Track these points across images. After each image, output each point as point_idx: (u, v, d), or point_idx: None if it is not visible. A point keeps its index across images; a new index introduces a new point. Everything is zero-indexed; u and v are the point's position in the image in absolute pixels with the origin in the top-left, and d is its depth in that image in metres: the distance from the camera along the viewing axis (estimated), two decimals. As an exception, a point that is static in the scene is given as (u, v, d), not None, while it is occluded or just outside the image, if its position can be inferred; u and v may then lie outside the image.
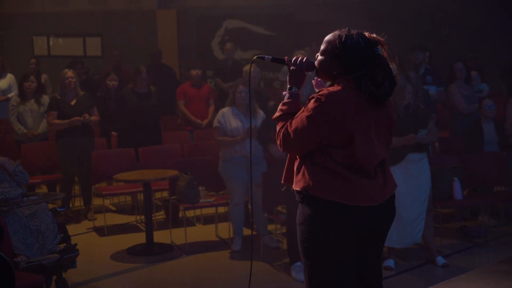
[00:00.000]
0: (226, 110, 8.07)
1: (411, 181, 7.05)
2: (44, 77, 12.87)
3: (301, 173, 3.75)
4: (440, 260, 7.19)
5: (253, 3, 15.26)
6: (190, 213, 9.05)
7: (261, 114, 8.09)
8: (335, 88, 3.69)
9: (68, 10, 17.78)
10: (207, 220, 9.14)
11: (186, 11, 16.37)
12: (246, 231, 8.42)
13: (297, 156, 3.80)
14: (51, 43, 18.46)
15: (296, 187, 3.78)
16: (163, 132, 10.29)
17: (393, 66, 3.75)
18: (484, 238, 8.00)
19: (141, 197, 9.01)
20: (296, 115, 3.70)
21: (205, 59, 15.38)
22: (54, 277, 6.55)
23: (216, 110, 11.04)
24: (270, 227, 8.23)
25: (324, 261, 3.72)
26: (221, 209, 8.80)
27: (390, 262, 7.17)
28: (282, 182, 3.94)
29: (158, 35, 16.53)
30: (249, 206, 8.54)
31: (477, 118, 8.84)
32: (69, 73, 9.32)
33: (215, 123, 8.06)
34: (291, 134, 3.68)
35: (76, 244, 6.64)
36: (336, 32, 3.77)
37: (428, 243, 7.29)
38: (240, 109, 7.97)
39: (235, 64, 12.23)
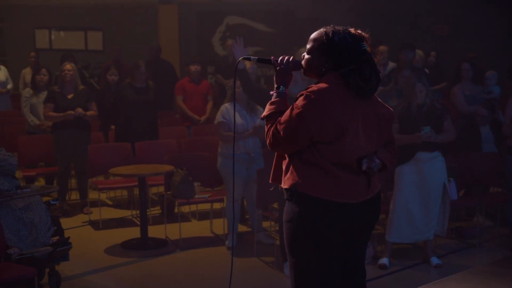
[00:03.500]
0: (228, 105, 8.03)
1: (422, 180, 7.05)
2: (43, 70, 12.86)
3: (289, 171, 3.75)
4: (434, 260, 7.19)
5: (254, 0, 15.26)
6: (185, 209, 9.07)
7: (261, 111, 8.06)
8: (323, 84, 3.70)
9: (70, 4, 17.78)
10: (202, 216, 9.16)
11: (187, 6, 16.37)
12: (241, 228, 8.45)
13: (286, 155, 3.79)
14: (52, 36, 18.48)
15: (284, 185, 3.78)
16: (161, 127, 10.31)
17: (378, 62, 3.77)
18: (479, 239, 7.98)
19: (137, 191, 9.02)
20: (285, 114, 3.70)
21: (206, 55, 15.40)
22: (47, 270, 6.57)
23: (215, 106, 11.07)
24: (265, 224, 8.24)
25: (310, 259, 3.72)
26: (217, 205, 8.80)
27: (385, 261, 7.18)
28: (270, 181, 3.94)
29: (159, 30, 16.52)
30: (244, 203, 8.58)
31: (472, 118, 8.82)
32: (68, 66, 9.35)
33: (219, 119, 7.97)
34: (281, 132, 3.67)
35: (69, 237, 6.65)
36: (322, 29, 3.78)
37: (426, 243, 7.29)
38: (241, 105, 7.93)
39: (236, 60, 12.17)
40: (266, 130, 3.79)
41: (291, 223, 3.75)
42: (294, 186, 3.71)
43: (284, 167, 3.82)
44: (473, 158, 8.45)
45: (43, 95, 9.83)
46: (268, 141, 3.77)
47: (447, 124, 7.20)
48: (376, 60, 3.76)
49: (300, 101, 3.65)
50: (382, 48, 10.26)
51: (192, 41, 16.47)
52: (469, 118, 8.92)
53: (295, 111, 3.64)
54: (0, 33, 19.61)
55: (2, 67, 12.12)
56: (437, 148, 7.16)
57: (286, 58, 3.91)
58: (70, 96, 9.21)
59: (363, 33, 3.76)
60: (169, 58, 14.08)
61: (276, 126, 3.71)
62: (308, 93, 3.65)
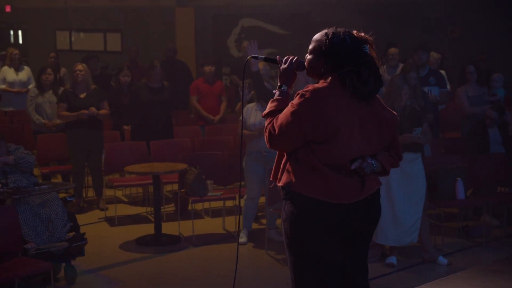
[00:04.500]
0: (251, 105, 7.99)
1: (406, 180, 7.01)
2: (63, 70, 12.93)
3: (286, 170, 3.75)
4: (441, 260, 7.11)
5: (269, 2, 15.27)
6: (199, 206, 9.08)
7: None
8: (321, 84, 3.70)
9: (90, 6, 17.87)
10: (215, 213, 9.16)
11: (203, 9, 16.41)
12: (253, 225, 8.46)
13: (285, 154, 3.79)
14: (73, 37, 18.57)
15: (280, 183, 3.77)
16: (176, 126, 10.32)
17: (382, 67, 3.75)
18: (485, 238, 7.95)
19: (151, 189, 9.04)
20: (283, 112, 3.70)
21: (222, 56, 15.41)
22: (63, 264, 6.61)
23: (229, 107, 11.09)
24: (278, 221, 8.23)
25: (306, 257, 3.70)
26: (229, 203, 8.80)
27: (392, 259, 7.16)
28: (270, 179, 3.94)
29: (176, 31, 16.58)
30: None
31: (480, 119, 8.79)
32: (79, 66, 9.36)
33: (241, 117, 8.02)
34: (276, 130, 3.67)
35: (84, 233, 6.68)
36: (324, 31, 3.79)
37: (423, 242, 7.24)
38: (263, 105, 7.88)
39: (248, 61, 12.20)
40: (265, 127, 3.79)
41: (287, 223, 3.73)
42: (288, 185, 3.70)
43: (281, 164, 3.82)
44: (481, 158, 8.42)
45: (48, 94, 9.88)
46: (265, 138, 3.77)
47: (425, 127, 7.23)
48: (379, 63, 3.74)
49: (296, 100, 3.66)
50: (393, 50, 10.26)
51: (208, 42, 16.49)
52: (476, 119, 8.90)
53: (290, 109, 3.65)
54: (22, 35, 19.77)
55: (26, 67, 12.16)
56: (420, 149, 7.15)
57: (290, 58, 3.92)
58: (82, 96, 9.23)
59: (366, 36, 3.75)
60: (186, 59, 14.13)
61: (272, 124, 3.71)
62: (304, 92, 3.65)
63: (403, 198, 6.99)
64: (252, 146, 7.84)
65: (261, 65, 8.54)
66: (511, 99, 11.00)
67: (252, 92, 8.46)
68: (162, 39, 15.79)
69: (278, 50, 14.51)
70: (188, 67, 13.49)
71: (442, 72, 10.05)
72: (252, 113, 7.90)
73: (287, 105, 3.75)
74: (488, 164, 8.38)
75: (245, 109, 7.99)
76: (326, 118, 3.60)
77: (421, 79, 8.54)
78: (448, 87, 9.89)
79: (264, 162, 7.77)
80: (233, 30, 16.01)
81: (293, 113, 3.62)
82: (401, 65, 10.20)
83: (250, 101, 8.38)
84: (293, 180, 3.68)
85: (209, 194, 8.22)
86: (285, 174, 3.74)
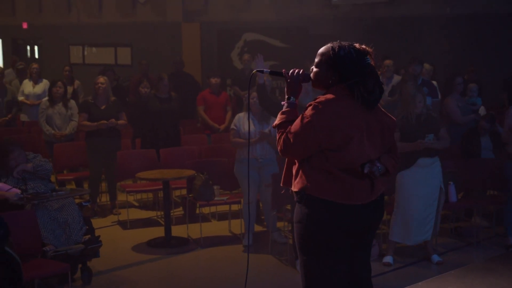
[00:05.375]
0: (242, 114, 8.06)
1: (422, 184, 7.04)
2: (77, 83, 12.97)
3: (299, 175, 3.76)
4: (435, 258, 7.18)
5: (270, 18, 15.29)
6: (206, 210, 9.09)
7: (274, 120, 8.06)
8: (330, 95, 3.72)
9: (102, 22, 17.91)
10: (221, 216, 9.17)
11: (208, 24, 16.43)
12: (257, 228, 8.46)
13: (296, 161, 3.81)
14: (85, 52, 18.59)
15: (294, 188, 3.79)
16: (183, 135, 10.33)
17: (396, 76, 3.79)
18: (476, 238, 7.96)
19: (161, 194, 9.06)
20: (295, 122, 3.71)
21: (226, 68, 15.42)
22: (80, 266, 6.63)
23: (233, 116, 11.09)
24: (279, 224, 8.24)
25: (318, 256, 3.73)
26: (234, 207, 8.81)
27: (389, 259, 7.18)
28: (281, 185, 3.96)
29: (183, 46, 16.60)
30: (260, 205, 8.60)
31: (472, 127, 8.82)
32: (101, 79, 9.38)
33: (232, 126, 8.07)
34: (291, 140, 3.69)
35: (99, 236, 6.70)
36: (329, 45, 3.80)
37: (427, 242, 7.27)
38: (254, 114, 7.97)
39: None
40: (277, 137, 3.80)
41: (301, 224, 3.76)
42: (303, 189, 3.72)
43: (294, 171, 3.83)
44: (472, 163, 8.43)
45: (58, 106, 9.84)
46: (279, 148, 3.79)
47: (443, 132, 7.24)
48: (379, 73, 3.77)
49: (309, 111, 3.67)
50: (387, 62, 10.27)
51: (213, 56, 16.51)
52: (467, 127, 8.92)
53: (304, 120, 3.66)
54: (38, 50, 19.81)
55: (44, 81, 12.12)
56: (437, 154, 7.17)
57: (296, 71, 3.92)
58: (103, 107, 9.26)
59: (367, 48, 3.78)
60: (192, 71, 14.14)
61: (286, 134, 3.72)
62: (316, 104, 3.67)
63: (418, 200, 7.02)
64: (246, 153, 7.83)
65: (261, 78, 8.57)
66: (500, 105, 10.99)
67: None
68: (170, 52, 15.81)
69: (278, 62, 14.55)
70: (194, 79, 13.50)
71: (434, 82, 10.08)
72: (245, 122, 7.90)
73: (296, 116, 3.77)
74: (478, 169, 8.38)
75: (236, 118, 8.03)
76: (339, 127, 3.64)
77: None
78: (439, 97, 9.92)
79: (259, 168, 7.80)
80: (236, 44, 16.03)
81: (307, 124, 3.65)
82: (396, 76, 10.25)
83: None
84: (308, 184, 3.71)
85: (215, 198, 8.23)
86: (298, 179, 3.76)
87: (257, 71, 4.12)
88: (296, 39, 14.97)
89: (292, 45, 15.09)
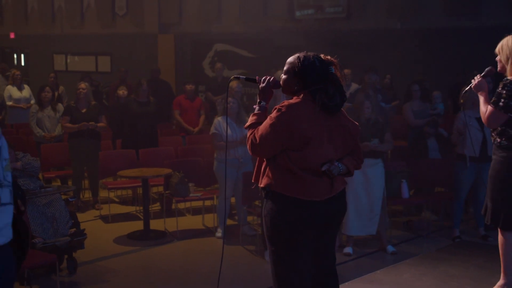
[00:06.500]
0: (220, 119, 7.98)
1: (367, 182, 7.09)
2: (61, 88, 12.85)
3: (266, 173, 3.77)
4: (390, 248, 7.24)
5: (238, 30, 15.29)
6: (181, 205, 9.04)
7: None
8: (294, 100, 3.74)
9: (83, 33, 17.79)
10: (196, 211, 9.12)
11: (182, 35, 16.39)
12: (229, 222, 8.44)
13: (264, 160, 3.82)
14: (68, 60, 18.45)
15: (261, 184, 3.80)
16: (160, 137, 10.27)
17: (353, 84, 3.80)
18: (426, 231, 8.04)
19: (140, 191, 8.99)
20: (262, 124, 3.73)
21: (198, 76, 15.38)
22: (66, 256, 6.56)
23: (207, 120, 11.06)
24: (249, 218, 8.24)
25: (285, 246, 3.73)
26: (208, 202, 8.78)
27: (349, 249, 7.21)
28: (252, 181, 3.96)
29: (159, 55, 16.54)
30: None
31: (419, 131, 8.90)
32: (82, 85, 9.33)
33: (213, 130, 7.88)
34: (257, 139, 3.70)
35: (84, 229, 6.65)
36: (296, 55, 3.82)
37: (380, 234, 7.32)
38: (231, 118, 7.90)
39: (224, 80, 12.28)
40: (247, 137, 3.81)
41: (268, 217, 3.76)
42: (269, 186, 3.74)
43: (262, 168, 3.84)
44: (421, 163, 8.50)
45: (47, 110, 9.76)
46: (248, 147, 3.79)
47: (388, 136, 7.30)
48: (343, 82, 3.79)
49: (273, 114, 3.70)
50: (346, 71, 10.32)
51: (186, 64, 16.47)
52: (418, 131, 9.00)
53: (269, 121, 3.68)
54: (25, 58, 19.59)
55: (26, 86, 12.00)
56: (380, 156, 7.23)
57: (268, 78, 3.94)
58: (84, 110, 9.16)
59: (332, 59, 3.79)
60: (167, 78, 14.08)
61: (254, 134, 3.74)
62: (280, 107, 3.69)
63: (365, 197, 7.06)
64: (228, 154, 7.78)
65: (234, 84, 8.54)
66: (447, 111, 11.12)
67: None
68: (146, 61, 15.75)
69: (246, 70, 14.57)
70: (170, 85, 13.43)
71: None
72: (225, 126, 7.86)
73: (265, 118, 3.78)
74: (427, 168, 8.46)
75: (216, 123, 7.93)
76: (300, 129, 3.64)
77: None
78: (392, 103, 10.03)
79: (238, 167, 7.76)
80: (208, 54, 16.00)
81: (271, 125, 3.66)
82: (353, 84, 10.30)
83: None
84: (273, 182, 3.71)
85: (190, 194, 8.20)
86: (265, 177, 3.77)
87: (234, 77, 4.11)
88: (262, 49, 14.99)
89: (259, 55, 15.11)
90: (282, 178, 3.69)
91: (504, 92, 4.55)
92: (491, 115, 4.60)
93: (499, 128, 4.65)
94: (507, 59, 4.61)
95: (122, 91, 10.57)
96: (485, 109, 4.64)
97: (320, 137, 3.69)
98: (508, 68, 4.62)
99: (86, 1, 17.79)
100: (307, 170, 3.68)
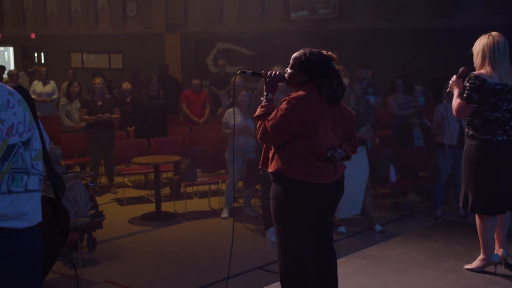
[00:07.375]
0: (231, 109, 7.91)
1: (352, 167, 7.03)
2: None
3: (275, 159, 3.76)
4: (378, 227, 7.26)
5: (239, 29, 15.25)
6: (189, 189, 9.05)
7: None
8: (301, 92, 3.72)
9: (97, 33, 17.75)
10: (202, 194, 9.13)
11: (187, 35, 16.34)
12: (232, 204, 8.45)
13: (272, 147, 3.81)
14: (84, 58, 18.38)
15: (270, 169, 3.78)
16: (169, 127, 10.26)
17: (344, 78, 3.78)
18: (411, 211, 8.06)
19: (152, 176, 9.00)
20: (272, 114, 3.71)
21: (202, 72, 15.34)
22: (86, 235, 6.57)
23: (211, 112, 11.05)
24: (252, 200, 8.24)
25: (291, 226, 3.72)
26: (213, 187, 8.80)
27: (342, 229, 7.23)
28: (259, 166, 3.95)
29: (166, 53, 16.50)
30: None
31: (405, 121, 8.91)
32: (97, 80, 9.33)
33: (223, 119, 7.92)
34: (269, 129, 3.68)
35: (102, 211, 6.65)
36: (302, 50, 3.80)
37: (368, 215, 7.33)
38: (241, 109, 7.85)
39: (226, 76, 12.23)
40: (257, 126, 3.79)
41: (276, 200, 3.75)
42: (278, 171, 3.71)
43: (270, 155, 3.83)
44: (407, 150, 8.51)
45: (76, 103, 9.76)
46: (258, 136, 3.78)
47: (368, 126, 7.30)
48: (342, 74, 3.79)
49: (283, 105, 3.67)
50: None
51: (191, 61, 16.42)
52: (403, 121, 9.00)
53: (279, 112, 3.66)
54: (44, 56, 19.54)
55: (52, 82, 12.05)
56: (363, 143, 7.23)
57: (273, 72, 3.92)
58: (99, 103, 9.15)
59: (332, 54, 3.79)
60: (174, 74, 14.03)
61: (265, 124, 3.72)
62: (290, 99, 3.67)
63: (350, 181, 7.03)
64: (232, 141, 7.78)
65: (237, 78, 8.51)
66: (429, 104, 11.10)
67: (231, 99, 8.43)
68: (155, 58, 15.70)
69: (246, 67, 14.50)
70: (178, 81, 13.39)
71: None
72: (232, 116, 7.81)
73: (272, 109, 3.77)
74: (412, 155, 8.47)
75: (227, 112, 7.95)
76: (308, 118, 3.63)
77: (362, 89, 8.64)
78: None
79: (243, 154, 7.76)
80: (211, 52, 15.95)
81: (282, 115, 3.65)
82: (344, 79, 10.25)
83: (230, 106, 8.37)
84: (282, 166, 3.70)
85: (198, 179, 8.21)
86: (274, 162, 3.75)
87: (241, 72, 4.09)
88: (261, 48, 14.95)
89: (258, 52, 15.07)
90: (291, 163, 3.68)
91: (468, 84, 4.64)
92: (458, 107, 4.71)
93: (468, 119, 4.72)
94: (477, 55, 4.70)
95: (125, 85, 10.56)
96: (455, 102, 4.72)
97: (326, 126, 3.69)
98: (477, 63, 4.69)
99: (100, 4, 17.74)
100: (314, 155, 3.68)
